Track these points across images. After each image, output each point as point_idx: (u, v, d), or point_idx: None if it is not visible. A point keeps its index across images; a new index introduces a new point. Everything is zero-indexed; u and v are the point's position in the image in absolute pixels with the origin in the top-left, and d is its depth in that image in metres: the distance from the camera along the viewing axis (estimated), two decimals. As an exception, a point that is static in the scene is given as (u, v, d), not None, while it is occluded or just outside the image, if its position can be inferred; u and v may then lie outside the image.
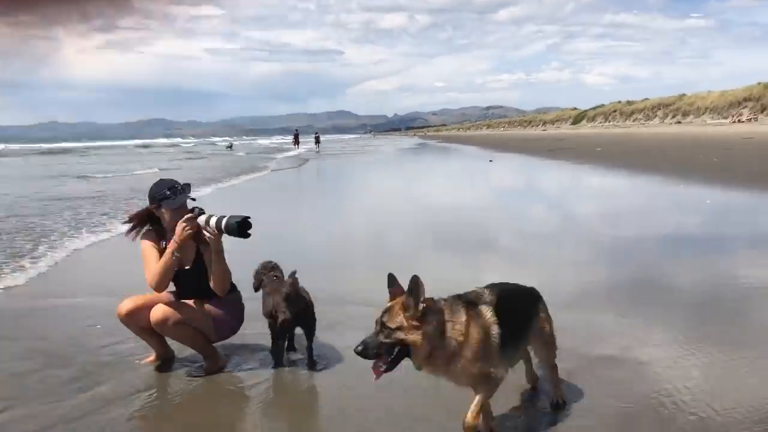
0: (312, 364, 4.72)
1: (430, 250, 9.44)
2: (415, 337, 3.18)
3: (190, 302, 4.65)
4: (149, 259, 4.58)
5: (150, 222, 4.73)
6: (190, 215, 4.46)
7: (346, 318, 5.75)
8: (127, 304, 4.68)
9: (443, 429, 3.71)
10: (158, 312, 4.51)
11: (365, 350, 3.22)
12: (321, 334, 4.98)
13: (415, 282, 3.16)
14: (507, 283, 3.75)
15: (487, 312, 3.41)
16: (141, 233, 4.71)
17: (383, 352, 3.21)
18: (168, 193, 4.58)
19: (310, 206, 16.18)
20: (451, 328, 3.27)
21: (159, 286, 4.51)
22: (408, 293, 3.18)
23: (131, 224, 4.74)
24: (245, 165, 34.32)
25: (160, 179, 4.76)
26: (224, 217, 4.40)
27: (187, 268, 4.65)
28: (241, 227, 4.32)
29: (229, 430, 3.95)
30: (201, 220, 4.44)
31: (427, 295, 3.23)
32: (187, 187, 4.70)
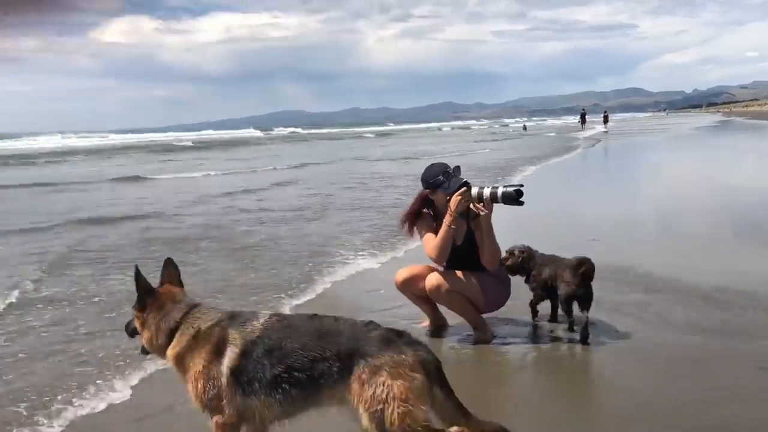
0: (585, 337, 4.73)
1: (730, 237, 8.58)
2: (137, 324, 3.01)
3: (461, 273, 4.87)
4: (427, 235, 4.85)
5: (424, 206, 4.98)
6: (464, 189, 4.65)
7: (621, 302, 5.61)
8: (402, 273, 5.07)
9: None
10: (433, 279, 4.81)
11: (126, 327, 3.19)
12: (594, 314, 4.98)
13: (136, 271, 2.95)
14: (324, 318, 2.89)
15: (234, 339, 2.81)
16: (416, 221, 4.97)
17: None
18: (442, 178, 4.78)
19: (604, 184, 16.15)
20: (180, 332, 2.89)
21: (440, 258, 4.78)
22: None
23: (408, 222, 4.97)
24: (556, 145, 34.02)
25: (432, 164, 4.98)
26: (498, 187, 4.56)
27: (458, 244, 4.84)
28: (518, 194, 4.49)
29: (492, 399, 4.08)
30: (473, 192, 4.62)
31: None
32: (457, 170, 4.87)
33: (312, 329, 2.79)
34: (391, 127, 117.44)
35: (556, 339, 4.94)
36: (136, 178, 20.65)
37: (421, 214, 4.96)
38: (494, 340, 4.89)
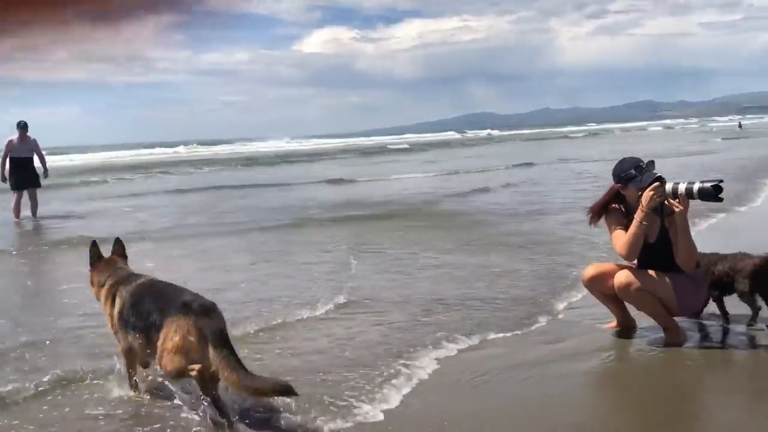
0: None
1: None
2: (90, 280, 4.17)
3: (653, 272, 4.67)
4: (617, 231, 4.71)
5: (615, 201, 4.84)
6: (657, 183, 4.47)
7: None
8: (590, 271, 4.96)
9: None
10: (622, 277, 4.65)
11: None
12: None
13: (92, 243, 4.20)
14: (166, 285, 3.82)
15: (120, 294, 3.85)
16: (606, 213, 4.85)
17: None
18: (633, 172, 4.63)
19: None
20: (104, 287, 4.00)
21: (629, 255, 4.63)
22: None
23: (595, 215, 4.86)
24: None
25: (624, 158, 4.84)
26: (694, 182, 4.37)
27: (651, 242, 4.66)
28: (716, 190, 4.29)
29: (682, 405, 3.92)
30: (667, 188, 4.43)
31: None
32: (651, 165, 4.69)
33: (156, 293, 3.73)
34: (593, 126, 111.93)
35: (754, 345, 4.61)
36: (344, 180, 21.75)
37: (611, 209, 4.84)
38: (686, 345, 4.64)
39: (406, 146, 55.18)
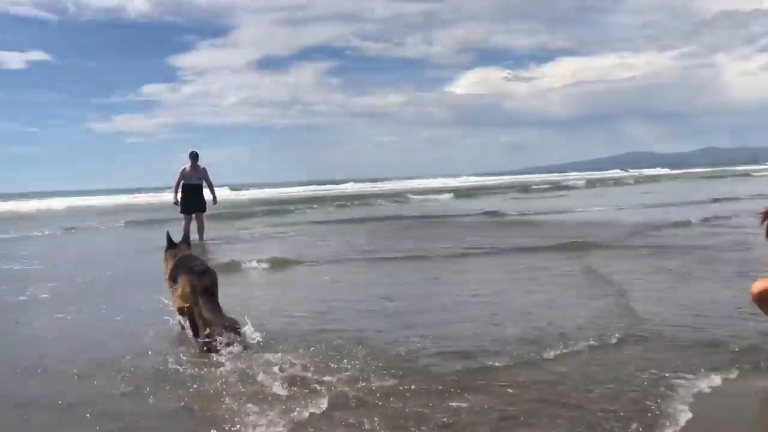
0: None
1: None
2: (163, 261, 6.10)
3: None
4: None
5: None
6: None
7: None
8: (760, 285, 4.61)
9: None
10: None
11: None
12: None
13: (167, 234, 6.24)
14: (192, 258, 5.77)
15: (168, 261, 5.91)
16: None
17: None
18: None
19: None
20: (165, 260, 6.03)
21: None
22: None
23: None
24: None
25: None
26: None
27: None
28: None
29: None
30: None
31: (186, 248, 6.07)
32: None
33: (184, 260, 5.67)
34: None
35: None
36: (543, 213, 21.15)
37: None
38: None
39: (580, 183, 53.04)
